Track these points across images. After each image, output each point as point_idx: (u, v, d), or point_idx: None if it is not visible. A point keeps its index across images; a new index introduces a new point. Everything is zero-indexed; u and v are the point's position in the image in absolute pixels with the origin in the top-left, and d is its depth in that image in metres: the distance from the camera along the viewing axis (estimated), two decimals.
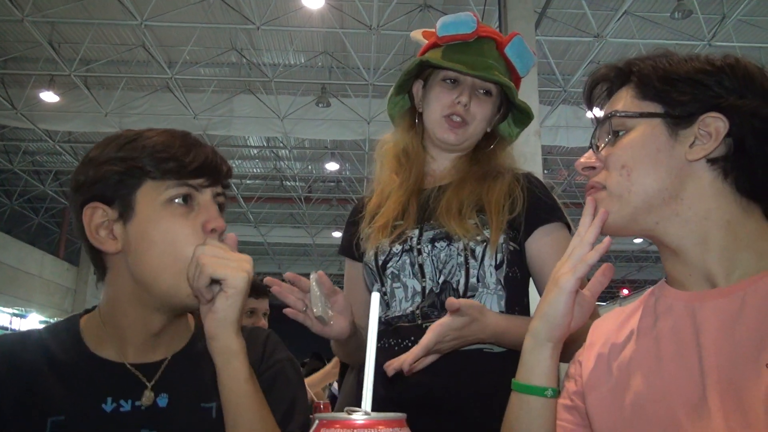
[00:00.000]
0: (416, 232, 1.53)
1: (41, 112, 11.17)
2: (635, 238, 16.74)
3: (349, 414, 0.60)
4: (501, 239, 1.48)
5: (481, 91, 1.59)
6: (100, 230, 1.04)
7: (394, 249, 1.53)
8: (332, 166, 14.25)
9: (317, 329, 1.41)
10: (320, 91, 11.05)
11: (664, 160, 0.96)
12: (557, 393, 1.03)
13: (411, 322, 1.48)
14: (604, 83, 1.09)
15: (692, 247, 0.96)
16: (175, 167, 1.05)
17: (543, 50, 9.70)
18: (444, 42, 1.59)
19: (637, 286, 20.23)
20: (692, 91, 0.96)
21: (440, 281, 1.48)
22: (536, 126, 7.11)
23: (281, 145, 13.46)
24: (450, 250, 1.48)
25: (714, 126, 0.94)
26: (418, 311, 1.48)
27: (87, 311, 1.14)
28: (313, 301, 1.35)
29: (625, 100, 1.02)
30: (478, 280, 1.47)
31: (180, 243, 1.03)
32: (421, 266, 1.50)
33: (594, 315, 1.22)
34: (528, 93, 6.21)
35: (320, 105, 11.05)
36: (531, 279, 1.57)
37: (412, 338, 1.46)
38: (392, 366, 1.28)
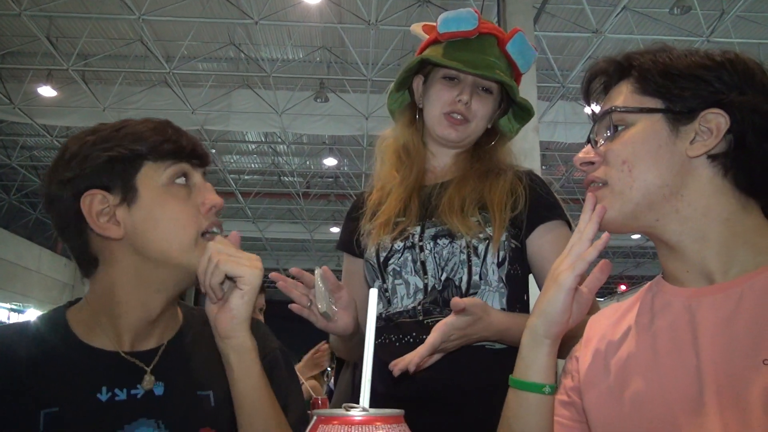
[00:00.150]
0: (418, 229, 1.53)
1: (39, 106, 11.15)
2: (633, 234, 16.77)
3: (348, 410, 0.60)
4: (503, 237, 1.48)
5: (482, 88, 1.59)
6: (101, 217, 1.04)
7: (395, 246, 1.53)
8: (330, 162, 14.24)
9: (321, 325, 1.42)
10: (318, 86, 11.04)
11: (665, 156, 0.95)
12: (555, 390, 1.04)
13: (412, 318, 1.48)
14: (602, 77, 1.08)
15: (691, 243, 0.96)
16: (173, 149, 1.09)
17: (541, 46, 9.68)
18: (445, 38, 1.58)
19: (634, 282, 20.26)
20: (693, 87, 0.95)
21: (442, 278, 1.48)
22: (535, 122, 7.11)
23: (279, 140, 13.44)
24: (452, 247, 1.48)
25: (715, 122, 0.93)
26: (419, 307, 1.48)
27: (71, 303, 1.14)
28: (317, 296, 1.35)
29: (624, 94, 1.01)
30: (480, 278, 1.47)
31: (185, 222, 1.08)
32: (423, 263, 1.50)
33: (593, 310, 1.23)
34: (527, 89, 6.19)
35: (318, 100, 11.04)
36: (531, 276, 1.57)
37: (413, 334, 1.46)
38: (398, 366, 1.27)
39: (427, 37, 1.66)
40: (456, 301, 1.27)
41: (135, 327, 1.09)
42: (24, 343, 1.05)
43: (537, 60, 1.57)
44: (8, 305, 13.53)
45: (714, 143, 0.93)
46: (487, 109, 1.60)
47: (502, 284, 1.49)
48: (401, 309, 1.51)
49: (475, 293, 1.47)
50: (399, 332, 1.49)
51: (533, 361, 1.02)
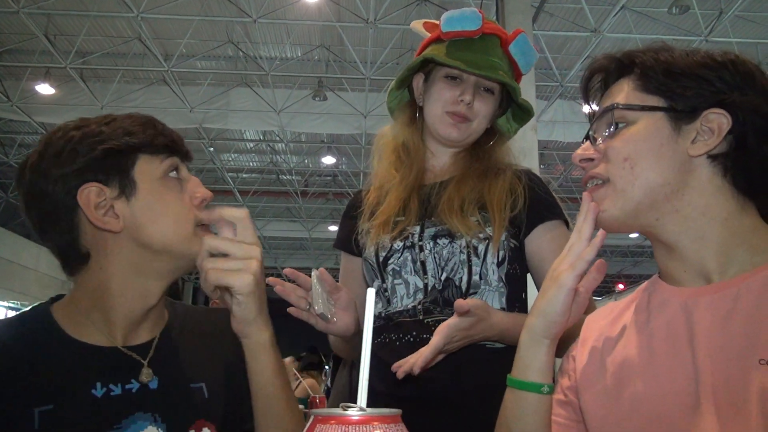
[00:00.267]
0: (417, 228, 1.53)
1: (37, 104, 11.13)
2: (631, 233, 16.78)
3: (345, 410, 0.60)
4: (503, 236, 1.48)
5: (484, 88, 1.59)
6: (98, 210, 1.04)
7: (395, 245, 1.53)
8: (329, 160, 14.23)
9: (321, 327, 1.42)
10: (317, 84, 11.04)
11: (667, 154, 0.95)
12: (553, 389, 1.04)
13: (412, 318, 1.49)
14: (600, 74, 1.08)
15: (689, 243, 0.96)
16: (166, 142, 1.11)
17: (540, 45, 9.68)
18: (448, 38, 1.57)
19: (632, 281, 20.28)
20: (695, 86, 0.95)
21: (442, 278, 1.49)
22: (533, 121, 7.08)
23: (277, 138, 13.42)
24: (452, 247, 1.48)
25: (717, 122, 0.94)
26: (419, 307, 1.48)
27: (53, 300, 1.14)
28: (314, 298, 1.35)
29: (625, 92, 1.01)
30: (480, 278, 1.48)
31: (183, 213, 1.10)
32: (422, 263, 1.50)
33: (590, 310, 1.23)
34: (525, 87, 6.18)
35: (317, 99, 11.03)
36: (529, 275, 1.57)
37: (414, 333, 1.47)
38: (402, 369, 1.27)
39: (428, 34, 1.65)
40: (460, 303, 1.27)
41: (130, 319, 1.10)
42: (12, 342, 1.05)
43: (536, 60, 1.57)
44: (6, 303, 13.53)
45: (716, 143, 0.94)
46: (488, 109, 1.60)
47: (501, 284, 1.49)
48: (401, 308, 1.51)
49: (475, 293, 1.47)
50: (399, 331, 1.49)
51: (532, 361, 1.02)
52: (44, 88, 10.71)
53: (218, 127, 12.04)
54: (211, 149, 13.46)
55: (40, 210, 1.07)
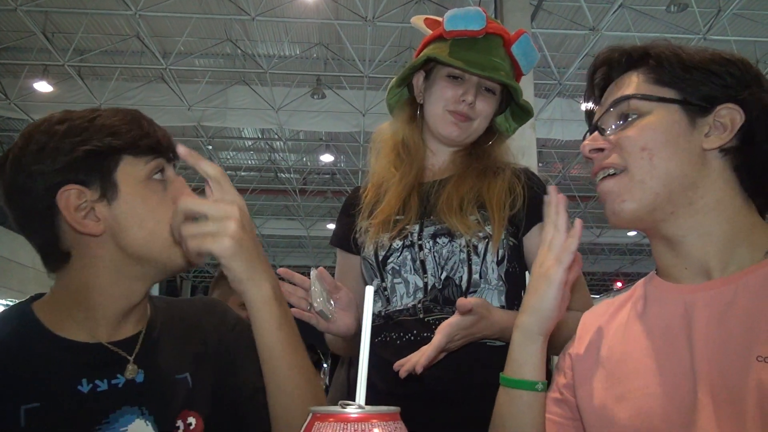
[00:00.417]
0: (417, 227, 1.53)
1: (35, 102, 11.11)
2: (629, 231, 16.79)
3: (343, 407, 0.60)
4: (502, 235, 1.48)
5: (485, 88, 1.58)
6: (78, 212, 1.01)
7: (394, 244, 1.53)
8: (327, 158, 14.23)
9: (322, 326, 1.42)
10: (315, 82, 11.03)
11: (684, 146, 0.95)
12: (546, 386, 1.04)
13: (413, 316, 1.49)
14: (604, 68, 1.07)
15: (695, 239, 0.96)
16: (151, 143, 1.07)
17: (538, 43, 9.68)
18: (451, 36, 1.56)
19: (630, 279, 20.29)
20: (711, 80, 0.96)
21: (442, 277, 1.49)
22: (531, 119, 7.11)
23: (276, 136, 13.42)
24: (452, 246, 1.48)
25: (729, 117, 0.94)
26: (420, 305, 1.48)
27: (34, 298, 1.12)
28: (313, 297, 1.35)
29: (636, 84, 1.00)
30: (480, 276, 1.48)
31: (166, 218, 1.05)
32: (422, 262, 1.50)
33: (587, 307, 1.23)
34: (524, 86, 6.17)
35: (315, 97, 11.03)
36: (528, 273, 1.57)
37: (414, 332, 1.47)
38: (405, 368, 1.27)
39: (429, 31, 1.64)
40: (462, 302, 1.27)
41: (113, 316, 1.08)
42: None
43: (537, 60, 1.57)
44: (3, 301, 13.52)
45: (729, 137, 0.94)
46: (490, 108, 1.60)
47: (501, 282, 1.49)
48: (401, 307, 1.51)
49: (475, 291, 1.48)
50: (400, 330, 1.49)
51: (526, 359, 1.02)
52: (42, 86, 10.69)
53: (216, 125, 12.02)
54: (210, 147, 13.45)
55: (20, 206, 1.04)
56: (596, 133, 1.03)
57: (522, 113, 1.68)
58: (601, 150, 1.01)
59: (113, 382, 1.05)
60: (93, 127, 1.03)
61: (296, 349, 1.03)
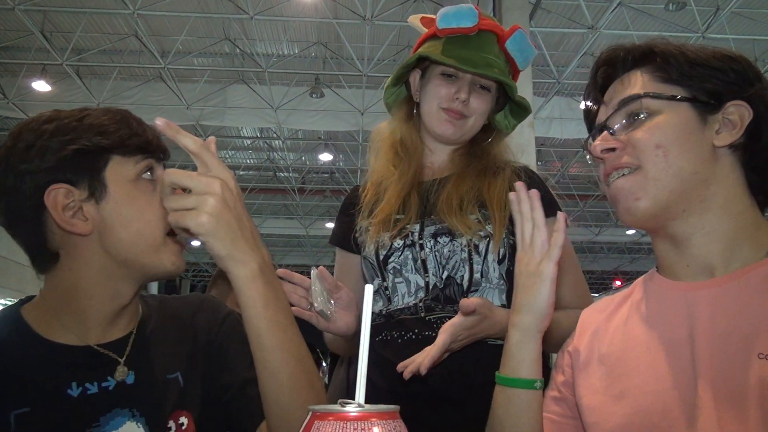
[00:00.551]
0: (417, 227, 1.53)
1: (33, 101, 11.09)
2: (629, 229, 16.80)
3: (343, 406, 0.60)
4: (503, 234, 1.48)
5: (480, 86, 1.58)
6: (66, 212, 1.00)
7: (395, 244, 1.53)
8: (326, 157, 14.22)
9: (323, 326, 1.42)
10: (314, 81, 11.01)
11: (697, 143, 0.95)
12: (544, 384, 1.04)
13: (414, 315, 1.49)
14: (607, 67, 1.07)
15: (701, 237, 0.96)
16: (140, 143, 1.06)
17: (537, 41, 9.67)
18: (444, 34, 1.56)
19: (629, 278, 20.23)
20: (715, 77, 0.96)
21: (444, 276, 1.49)
22: (530, 117, 7.09)
23: (274, 135, 13.41)
24: (453, 245, 1.48)
25: (738, 114, 0.95)
26: (421, 304, 1.48)
27: (23, 302, 1.10)
28: (313, 296, 1.35)
29: (643, 82, 1.00)
30: (481, 275, 1.48)
31: (154, 220, 1.04)
32: (423, 261, 1.50)
33: (586, 304, 1.23)
34: (522, 84, 6.19)
35: (314, 96, 11.02)
36: None
37: (416, 330, 1.47)
38: (409, 369, 1.27)
39: (425, 30, 1.64)
40: (466, 302, 1.27)
41: (102, 319, 1.07)
42: None
43: (533, 56, 1.56)
44: (3, 300, 13.50)
45: (739, 134, 0.95)
46: (485, 106, 1.60)
47: (502, 281, 1.49)
48: (402, 306, 1.51)
49: (476, 290, 1.48)
50: (401, 329, 1.49)
51: (524, 358, 1.02)
52: (40, 85, 10.67)
53: (215, 124, 12.01)
54: None
55: (8, 205, 1.03)
56: (605, 132, 1.02)
57: (519, 110, 1.67)
58: (613, 150, 1.00)
59: (103, 384, 1.04)
60: (82, 126, 1.02)
61: (286, 330, 0.98)
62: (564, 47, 10.63)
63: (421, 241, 1.51)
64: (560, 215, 1.04)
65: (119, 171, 1.04)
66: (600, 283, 23.12)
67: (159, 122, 0.94)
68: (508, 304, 1.48)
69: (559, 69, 10.65)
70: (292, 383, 0.97)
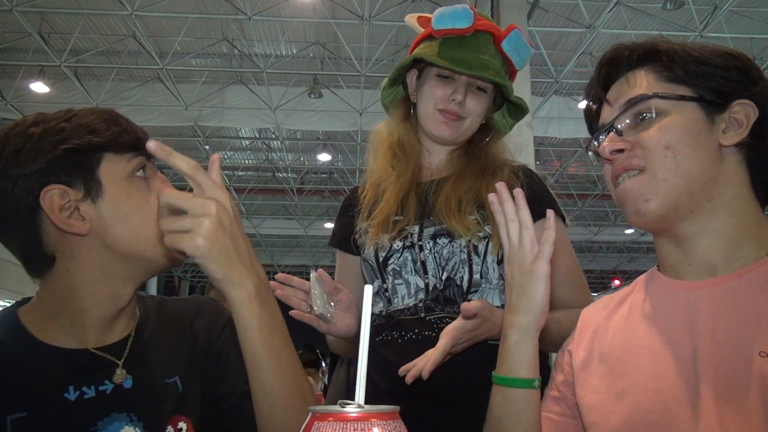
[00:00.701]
0: (416, 228, 1.52)
1: (31, 103, 11.07)
2: (627, 228, 16.81)
3: (343, 407, 0.60)
4: None
5: (476, 86, 1.58)
6: (63, 212, 0.99)
7: (394, 245, 1.53)
8: (324, 157, 14.22)
9: (323, 328, 1.42)
10: (312, 81, 11.01)
11: (705, 143, 0.95)
12: (542, 383, 1.04)
13: (414, 315, 1.49)
14: (610, 67, 1.06)
15: (705, 236, 0.96)
16: (131, 140, 1.06)
17: (535, 41, 9.66)
18: (439, 35, 1.56)
19: (628, 277, 20.31)
20: (720, 75, 0.96)
21: (443, 278, 1.48)
22: (528, 117, 7.10)
23: (273, 136, 13.40)
24: (452, 246, 1.48)
25: (744, 112, 0.95)
26: (421, 304, 1.48)
27: (19, 304, 1.10)
28: (313, 299, 1.35)
29: (649, 82, 0.99)
30: (481, 276, 1.48)
31: (152, 214, 1.04)
32: (423, 263, 1.50)
33: (587, 303, 1.23)
34: (520, 84, 6.21)
35: (312, 96, 11.01)
36: None
37: (416, 331, 1.47)
38: (411, 373, 1.27)
39: (422, 30, 1.64)
40: (467, 306, 1.27)
41: (100, 321, 1.06)
42: None
43: (530, 55, 1.55)
44: (2, 302, 13.48)
45: (746, 133, 0.95)
46: (481, 106, 1.59)
47: (502, 281, 1.49)
48: (402, 307, 1.51)
49: (476, 291, 1.48)
50: (401, 329, 1.49)
51: (523, 357, 1.02)
52: (39, 87, 10.66)
53: (213, 124, 12.00)
54: (207, 147, 13.43)
55: (1, 211, 1.01)
56: (612, 133, 1.02)
57: (517, 110, 1.67)
58: (621, 151, 1.00)
59: (101, 388, 1.03)
60: (71, 127, 1.02)
61: (281, 352, 0.98)
62: (562, 46, 10.63)
63: (420, 243, 1.51)
64: (549, 212, 1.04)
65: (113, 169, 1.04)
66: (599, 283, 23.13)
67: (151, 145, 0.93)
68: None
69: (557, 68, 10.65)
70: (286, 403, 0.97)
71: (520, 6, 7.76)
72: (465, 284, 1.47)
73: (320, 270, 1.40)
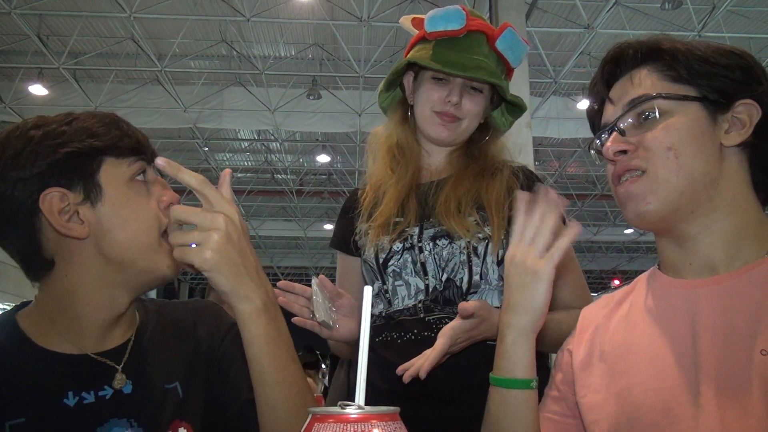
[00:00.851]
0: (416, 230, 1.52)
1: (30, 105, 11.06)
2: (627, 228, 16.81)
3: (343, 408, 0.60)
4: (501, 235, 1.48)
5: (471, 87, 1.57)
6: (62, 216, 0.99)
7: (394, 247, 1.53)
8: (323, 159, 14.21)
9: (326, 334, 1.42)
10: (311, 83, 11.01)
11: (707, 143, 0.95)
12: (539, 383, 1.04)
13: (413, 316, 1.49)
14: (612, 65, 1.06)
15: (707, 236, 0.96)
16: (132, 144, 1.06)
17: (534, 41, 9.68)
18: (432, 38, 1.55)
19: (628, 277, 20.31)
20: (723, 75, 0.95)
21: (443, 279, 1.49)
22: (527, 117, 7.12)
23: (272, 137, 13.41)
24: (452, 247, 1.48)
25: (747, 113, 0.95)
26: (420, 305, 1.49)
27: (18, 308, 1.09)
28: (315, 306, 1.35)
29: (652, 82, 0.99)
30: (481, 277, 1.48)
31: (149, 220, 1.04)
32: (423, 264, 1.50)
33: (586, 303, 1.23)
34: (519, 84, 6.22)
35: (311, 97, 11.01)
36: None
37: (415, 331, 1.47)
38: (408, 373, 1.27)
39: (417, 31, 1.63)
40: (464, 306, 1.27)
41: (98, 327, 1.05)
42: None
43: (529, 56, 1.55)
44: (1, 305, 13.48)
45: (748, 133, 0.94)
46: (478, 107, 1.59)
47: (501, 283, 1.49)
48: (402, 308, 1.51)
49: (475, 292, 1.48)
50: (401, 330, 1.49)
51: (521, 358, 1.02)
52: (37, 89, 10.66)
53: (212, 126, 12.00)
54: (206, 149, 13.43)
55: (1, 214, 1.01)
56: (615, 134, 1.01)
57: (514, 108, 1.67)
58: (624, 152, 1.00)
59: (100, 393, 1.02)
60: (71, 130, 1.02)
61: (287, 366, 1.00)
62: (560, 47, 10.63)
63: (420, 244, 1.51)
64: (574, 223, 1.03)
65: (113, 173, 1.04)
66: (599, 283, 23.12)
67: (159, 161, 0.96)
68: None
69: (556, 69, 10.65)
70: (291, 417, 0.98)
71: (518, 6, 7.76)
72: (464, 285, 1.47)
73: (321, 276, 1.40)
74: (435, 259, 1.49)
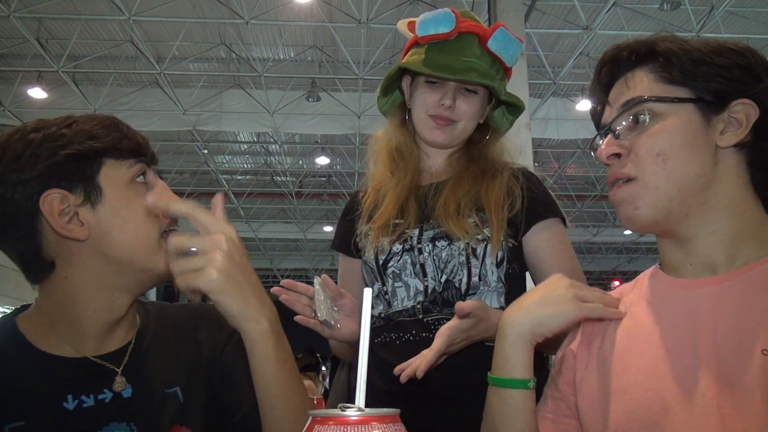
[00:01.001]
0: (416, 231, 1.53)
1: (29, 109, 11.07)
2: (626, 230, 16.81)
3: (343, 410, 0.60)
4: (501, 237, 1.48)
5: (466, 89, 1.57)
6: (62, 217, 0.99)
7: (394, 248, 1.53)
8: (323, 161, 14.22)
9: (327, 334, 1.42)
10: (310, 85, 11.02)
11: (700, 146, 0.94)
12: (537, 383, 1.04)
13: (412, 317, 1.49)
14: (610, 66, 1.05)
15: (705, 236, 0.95)
16: (132, 146, 1.06)
17: (532, 43, 9.69)
18: (424, 42, 1.55)
19: (628, 278, 20.27)
20: (720, 75, 0.94)
21: (442, 280, 1.49)
22: (526, 119, 7.12)
23: (271, 140, 13.41)
24: (451, 249, 1.48)
25: (744, 112, 0.93)
26: (419, 306, 1.49)
27: (18, 311, 1.09)
28: (317, 305, 1.35)
29: (647, 84, 0.98)
30: (480, 279, 1.48)
31: (148, 222, 1.04)
32: (422, 266, 1.50)
33: None
34: (518, 85, 6.22)
35: (310, 99, 11.02)
36: (528, 273, 1.58)
37: (413, 332, 1.47)
38: (406, 373, 1.27)
39: (412, 35, 1.64)
40: (461, 306, 1.27)
41: (98, 330, 1.05)
42: None
43: (528, 57, 1.55)
44: (1, 308, 13.47)
45: (744, 133, 0.93)
46: (473, 108, 1.59)
47: (501, 284, 1.49)
48: (401, 309, 1.51)
49: (474, 293, 1.48)
50: (399, 330, 1.50)
51: (520, 359, 1.02)
52: (36, 92, 10.65)
53: (212, 129, 12.01)
54: (205, 151, 13.44)
55: (1, 216, 1.01)
56: (609, 137, 1.01)
57: (513, 107, 1.67)
58: (618, 155, 0.99)
59: (100, 397, 1.02)
60: (71, 132, 1.02)
61: (292, 384, 1.01)
62: (559, 48, 10.65)
63: (419, 246, 1.51)
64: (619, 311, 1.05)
65: (113, 175, 1.04)
66: (598, 284, 23.09)
67: (149, 200, 0.97)
68: (507, 306, 1.48)
69: (555, 70, 10.67)
70: (293, 425, 0.99)
71: (517, 8, 7.76)
72: (463, 287, 1.47)
73: (324, 275, 1.41)
74: (434, 260, 1.49)
